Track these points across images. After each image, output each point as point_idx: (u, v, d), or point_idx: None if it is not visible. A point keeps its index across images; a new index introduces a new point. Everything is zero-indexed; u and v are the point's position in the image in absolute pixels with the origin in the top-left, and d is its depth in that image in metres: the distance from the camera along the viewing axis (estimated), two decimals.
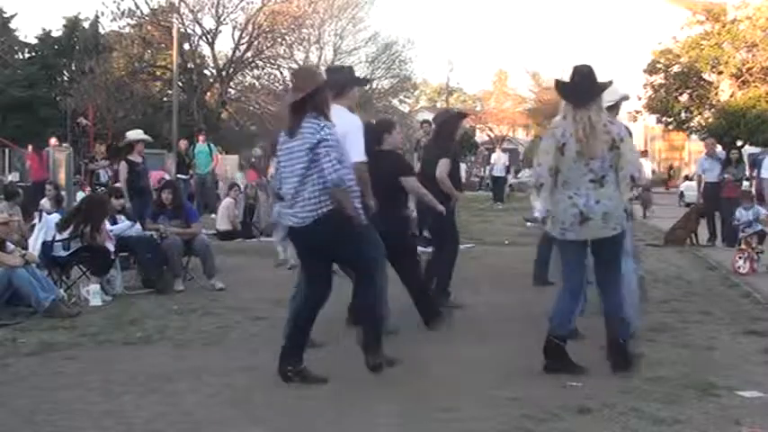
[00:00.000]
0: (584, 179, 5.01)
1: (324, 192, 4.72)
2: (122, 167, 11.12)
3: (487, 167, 38.79)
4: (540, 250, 8.33)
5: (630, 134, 5.34)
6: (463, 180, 32.56)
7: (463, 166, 48.06)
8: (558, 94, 5.28)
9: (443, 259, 7.50)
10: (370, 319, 5.01)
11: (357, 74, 7.07)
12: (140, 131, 11.81)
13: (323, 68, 32.94)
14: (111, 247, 8.27)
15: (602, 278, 5.24)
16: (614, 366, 5.11)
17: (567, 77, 5.25)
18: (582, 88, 5.09)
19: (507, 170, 28.01)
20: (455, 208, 7.61)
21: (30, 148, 18.42)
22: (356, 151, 5.44)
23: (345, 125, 5.45)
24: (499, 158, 26.00)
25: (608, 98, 5.38)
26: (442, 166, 7.23)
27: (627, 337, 5.20)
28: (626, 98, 6.02)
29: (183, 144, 18.91)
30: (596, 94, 5.09)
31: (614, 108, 5.68)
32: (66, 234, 8.08)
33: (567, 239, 5.13)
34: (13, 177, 20.46)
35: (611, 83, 5.32)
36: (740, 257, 9.77)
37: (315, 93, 4.78)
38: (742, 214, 10.72)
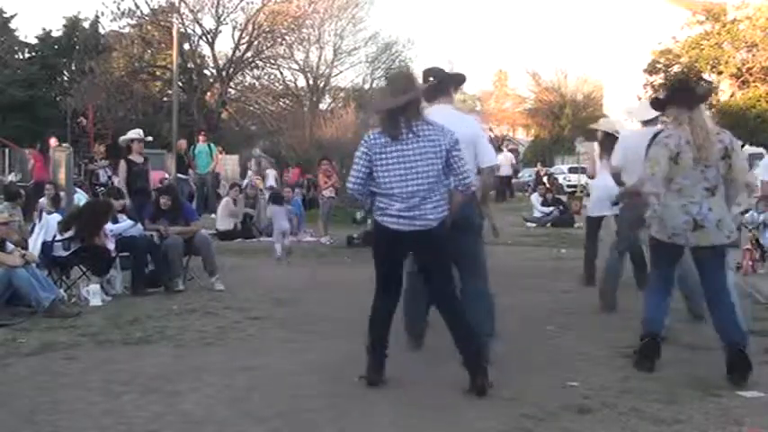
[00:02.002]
0: (699, 186, 5.05)
1: (446, 194, 4.78)
2: (122, 167, 11.11)
3: None
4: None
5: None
6: None
7: None
8: (671, 100, 5.31)
9: None
10: (472, 332, 4.90)
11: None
12: (139, 131, 11.79)
13: (323, 67, 32.79)
14: (111, 245, 8.27)
15: (711, 287, 5.20)
16: (734, 377, 4.96)
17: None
18: (693, 92, 5.22)
19: (514, 170, 28.89)
20: None
21: (29, 150, 18.43)
22: (490, 154, 5.50)
23: (473, 126, 5.45)
24: (506, 158, 27.10)
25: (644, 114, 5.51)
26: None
27: (747, 343, 5.09)
28: (710, 94, 6.17)
29: (182, 144, 18.92)
30: (705, 99, 5.33)
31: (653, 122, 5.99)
32: (66, 235, 8.09)
33: (674, 243, 5.15)
34: (13, 177, 20.47)
35: (711, 92, 5.57)
36: (746, 257, 9.75)
37: (417, 98, 4.78)
38: (753, 217, 10.69)
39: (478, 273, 5.47)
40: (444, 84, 5.64)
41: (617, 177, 7.03)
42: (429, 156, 4.70)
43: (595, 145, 8.87)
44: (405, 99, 4.72)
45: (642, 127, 6.99)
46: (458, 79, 5.98)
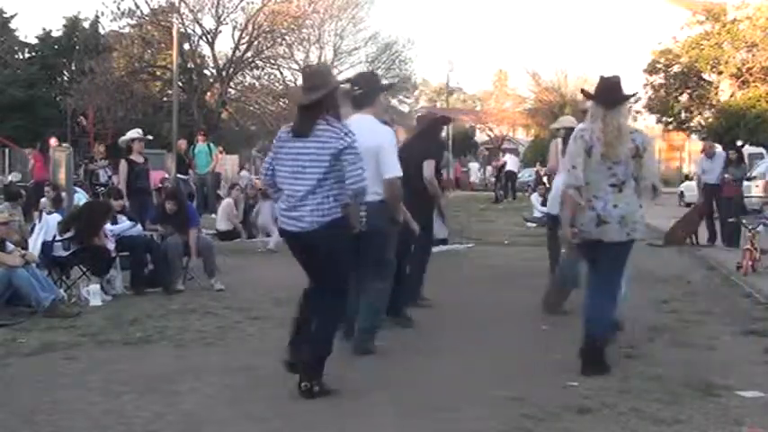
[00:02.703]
0: (606, 183, 5.12)
1: (336, 199, 4.60)
2: (122, 167, 11.10)
3: (488, 168, 39.04)
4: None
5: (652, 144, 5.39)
6: (476, 180, 33.50)
7: (476, 166, 47.97)
8: (591, 97, 5.38)
9: (421, 258, 7.51)
10: (325, 341, 4.76)
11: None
12: (139, 131, 11.79)
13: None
14: (110, 245, 8.28)
15: (600, 279, 5.28)
16: (583, 367, 5.10)
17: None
18: (614, 93, 5.25)
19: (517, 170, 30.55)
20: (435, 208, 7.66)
21: (29, 150, 18.41)
22: (392, 166, 5.46)
23: (379, 137, 5.46)
24: (511, 158, 28.87)
25: None
26: (430, 168, 7.22)
27: (603, 339, 5.24)
28: (634, 95, 6.11)
29: (182, 144, 18.90)
30: (625, 100, 5.33)
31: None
32: (65, 236, 8.10)
33: (585, 240, 5.24)
34: (13, 177, 20.47)
35: (635, 94, 5.55)
36: (746, 257, 9.74)
37: (329, 94, 4.66)
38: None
39: (382, 275, 5.67)
40: (370, 93, 5.67)
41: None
42: (315, 157, 4.58)
43: (559, 141, 8.91)
44: (312, 97, 4.63)
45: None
46: (388, 87, 6.05)
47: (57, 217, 8.73)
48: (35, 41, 38.43)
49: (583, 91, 5.74)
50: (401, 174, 5.56)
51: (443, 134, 8.53)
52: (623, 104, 5.31)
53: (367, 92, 5.65)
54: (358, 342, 5.68)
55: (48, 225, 8.31)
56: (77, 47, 34.94)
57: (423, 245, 7.47)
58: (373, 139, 5.33)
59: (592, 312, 5.23)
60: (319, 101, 4.61)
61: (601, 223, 5.12)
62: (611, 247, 5.17)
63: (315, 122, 4.61)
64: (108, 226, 8.51)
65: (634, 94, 5.49)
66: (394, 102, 45.57)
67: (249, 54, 31.10)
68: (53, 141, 16.65)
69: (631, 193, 5.14)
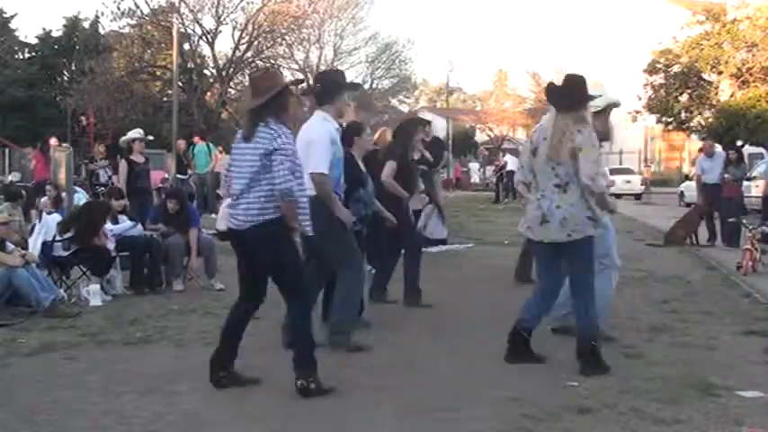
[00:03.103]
0: (550, 183, 5.18)
1: (269, 199, 4.65)
2: (122, 167, 11.11)
3: (489, 168, 39.10)
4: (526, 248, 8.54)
5: (595, 144, 5.22)
6: (476, 180, 33.25)
7: (476, 166, 47.74)
8: (546, 97, 5.39)
9: (413, 260, 7.56)
10: (302, 338, 4.85)
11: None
12: (140, 131, 11.79)
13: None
14: (110, 245, 8.27)
15: (572, 282, 5.36)
16: (583, 367, 5.16)
17: (560, 80, 5.42)
18: (569, 96, 5.23)
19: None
20: (409, 209, 7.68)
21: (29, 150, 18.41)
22: (313, 162, 5.43)
23: (310, 133, 5.54)
24: (512, 161, 29.38)
25: (595, 103, 5.49)
26: (387, 169, 7.28)
27: (597, 337, 5.29)
28: (615, 105, 5.99)
29: (181, 144, 18.93)
30: (581, 104, 5.24)
31: (602, 113, 5.78)
32: (65, 236, 8.10)
33: (532, 238, 5.38)
34: (13, 177, 20.48)
35: (599, 96, 5.55)
36: (746, 257, 9.73)
37: (274, 98, 4.71)
38: None
39: (346, 265, 5.75)
40: (328, 91, 5.70)
41: None
42: (249, 157, 4.70)
43: None
44: (256, 102, 4.72)
45: None
46: (351, 87, 6.21)
47: (57, 217, 8.73)
48: (35, 41, 38.52)
49: (548, 86, 5.61)
50: (324, 170, 5.50)
51: (443, 134, 8.47)
52: (579, 108, 5.20)
53: (326, 90, 5.72)
54: (334, 334, 5.73)
55: (48, 225, 8.31)
56: (77, 47, 35.02)
57: (410, 248, 7.54)
58: (306, 136, 5.47)
59: (578, 315, 5.30)
60: (263, 105, 4.70)
61: (543, 222, 5.19)
62: (565, 248, 5.20)
63: (257, 125, 4.70)
64: (108, 226, 8.50)
65: (593, 98, 5.41)
66: (394, 102, 45.67)
67: (249, 54, 31.13)
68: (53, 141, 16.67)
69: (577, 195, 5.13)
